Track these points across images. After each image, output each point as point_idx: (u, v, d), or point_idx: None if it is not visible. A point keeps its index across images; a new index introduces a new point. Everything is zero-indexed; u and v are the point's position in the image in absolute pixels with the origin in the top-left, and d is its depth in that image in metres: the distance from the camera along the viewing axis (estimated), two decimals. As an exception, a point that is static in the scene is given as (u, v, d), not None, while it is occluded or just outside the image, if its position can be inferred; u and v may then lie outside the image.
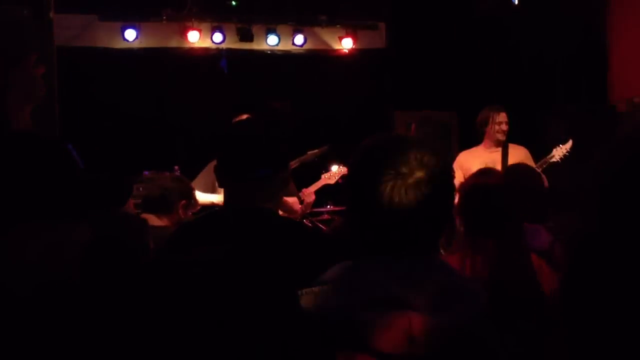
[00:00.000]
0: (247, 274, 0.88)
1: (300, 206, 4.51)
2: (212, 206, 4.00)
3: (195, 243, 1.51)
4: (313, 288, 1.16)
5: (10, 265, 1.07)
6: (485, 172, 2.39)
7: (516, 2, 6.08)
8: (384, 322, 1.07)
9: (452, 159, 4.98)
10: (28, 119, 1.46)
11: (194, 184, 3.78)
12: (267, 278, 0.91)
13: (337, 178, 4.92)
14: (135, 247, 2.00)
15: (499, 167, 4.64)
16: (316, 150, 4.87)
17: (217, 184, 4.51)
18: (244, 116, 4.57)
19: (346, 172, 5.23)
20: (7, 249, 1.08)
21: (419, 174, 1.15)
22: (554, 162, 4.52)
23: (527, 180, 2.85)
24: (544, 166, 4.50)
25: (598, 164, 0.69)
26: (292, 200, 4.47)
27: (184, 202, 3.13)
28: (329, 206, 5.74)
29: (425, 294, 1.10)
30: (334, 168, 4.92)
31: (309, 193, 4.59)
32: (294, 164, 4.63)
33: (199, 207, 3.61)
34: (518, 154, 4.68)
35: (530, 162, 4.68)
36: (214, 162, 4.72)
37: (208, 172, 4.80)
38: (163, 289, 0.83)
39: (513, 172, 3.11)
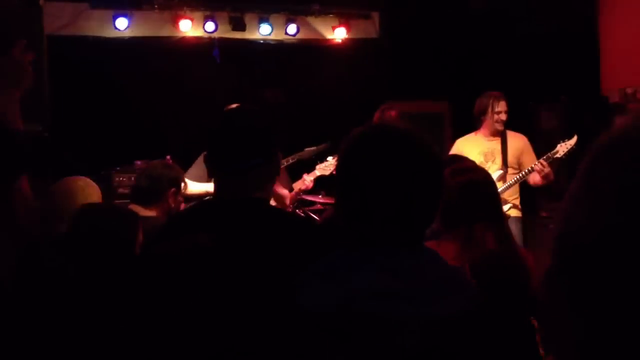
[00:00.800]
0: (235, 263, 0.87)
1: (290, 196, 4.52)
2: (205, 195, 3.99)
3: (185, 234, 1.50)
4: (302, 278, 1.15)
5: None
6: (471, 168, 2.37)
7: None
8: (373, 312, 1.06)
9: (443, 149, 4.96)
10: (16, 105, 1.45)
11: (186, 175, 3.77)
12: (256, 267, 0.90)
13: (332, 170, 4.90)
14: (125, 239, 1.98)
15: (498, 155, 4.63)
16: (314, 148, 4.85)
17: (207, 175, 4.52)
18: (234, 106, 4.58)
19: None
20: None
21: (408, 164, 1.15)
22: (557, 158, 4.44)
23: None
24: (548, 162, 4.42)
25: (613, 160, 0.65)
26: (283, 192, 4.47)
27: (173, 189, 3.08)
28: (321, 196, 5.74)
29: (415, 284, 1.09)
30: (329, 159, 4.91)
31: (298, 189, 4.61)
32: (291, 159, 4.62)
33: (188, 193, 3.57)
34: (517, 143, 4.66)
35: (530, 151, 4.66)
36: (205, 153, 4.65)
37: (199, 163, 4.81)
38: (152, 281, 0.83)
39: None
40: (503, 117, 4.59)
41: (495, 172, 4.59)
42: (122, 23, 6.26)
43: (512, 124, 4.81)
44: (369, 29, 7.18)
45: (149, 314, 0.84)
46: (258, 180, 1.66)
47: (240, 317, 0.91)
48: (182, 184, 3.20)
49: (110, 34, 6.34)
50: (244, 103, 1.85)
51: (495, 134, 4.65)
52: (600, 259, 0.60)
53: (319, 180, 5.04)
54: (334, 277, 1.14)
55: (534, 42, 6.15)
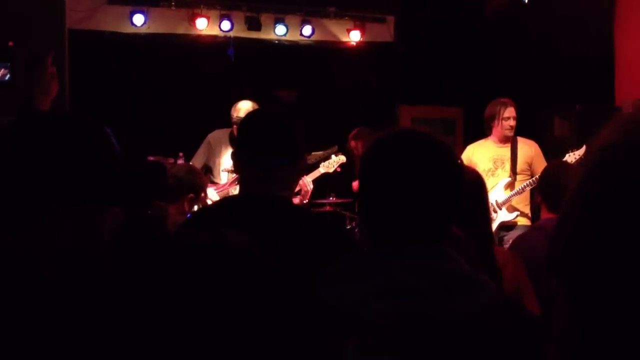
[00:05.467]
0: (258, 260, 0.89)
1: (297, 196, 4.53)
2: None
3: (209, 226, 1.54)
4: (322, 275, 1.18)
5: (42, 250, 1.06)
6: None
7: (526, 1, 6.08)
8: (392, 310, 1.09)
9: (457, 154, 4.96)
10: (48, 109, 1.55)
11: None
12: (278, 266, 0.92)
13: (335, 167, 4.90)
14: (157, 234, 2.01)
15: (507, 162, 4.63)
16: (321, 152, 4.86)
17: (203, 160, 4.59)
18: (245, 101, 4.60)
19: (344, 161, 5.20)
20: (41, 233, 1.07)
21: (429, 165, 1.19)
22: None
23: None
24: None
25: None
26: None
27: (191, 195, 3.13)
28: (331, 198, 5.75)
29: (434, 282, 1.12)
30: (333, 157, 4.91)
31: (306, 183, 4.60)
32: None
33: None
34: (528, 149, 4.66)
35: (541, 157, 4.65)
36: (208, 138, 4.71)
37: (200, 152, 4.86)
38: (182, 278, 0.84)
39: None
40: (512, 123, 4.59)
41: (502, 179, 4.60)
42: (139, 19, 6.31)
43: (525, 131, 4.81)
44: (384, 32, 7.20)
45: (168, 308, 0.86)
46: (283, 180, 1.70)
47: (261, 312, 0.93)
48: (202, 194, 3.24)
49: (127, 29, 6.39)
50: (277, 105, 1.90)
51: (504, 140, 4.65)
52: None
53: (328, 181, 5.06)
54: (355, 275, 1.17)
55: (550, 50, 6.15)
